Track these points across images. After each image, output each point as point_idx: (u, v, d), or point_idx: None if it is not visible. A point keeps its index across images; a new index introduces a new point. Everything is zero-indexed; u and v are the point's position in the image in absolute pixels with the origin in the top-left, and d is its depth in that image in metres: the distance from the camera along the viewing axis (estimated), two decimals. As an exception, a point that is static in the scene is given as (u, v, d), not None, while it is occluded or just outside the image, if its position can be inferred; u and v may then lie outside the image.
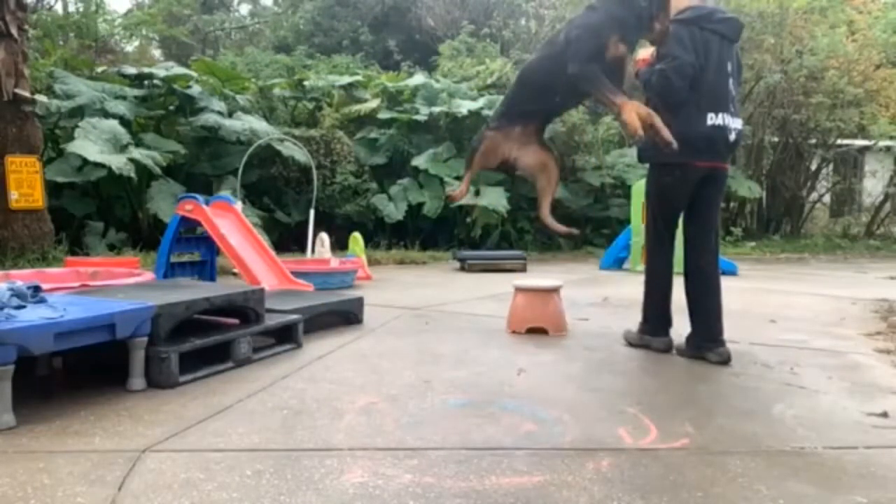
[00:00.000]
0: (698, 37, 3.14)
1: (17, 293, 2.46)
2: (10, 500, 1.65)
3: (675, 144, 3.00)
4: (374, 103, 10.90)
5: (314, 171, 8.31)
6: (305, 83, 11.39)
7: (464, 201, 9.57)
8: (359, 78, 11.79)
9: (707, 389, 2.80)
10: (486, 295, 5.42)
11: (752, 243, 11.45)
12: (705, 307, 3.31)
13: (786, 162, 13.24)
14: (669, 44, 3.12)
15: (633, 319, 4.07)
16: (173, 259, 5.39)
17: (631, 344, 3.60)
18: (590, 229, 11.02)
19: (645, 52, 3.45)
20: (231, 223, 5.40)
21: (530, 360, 3.21)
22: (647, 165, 3.55)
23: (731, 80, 3.22)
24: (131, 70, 9.73)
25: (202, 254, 5.65)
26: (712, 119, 3.15)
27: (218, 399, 2.50)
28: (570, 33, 3.25)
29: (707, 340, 3.28)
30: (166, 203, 7.74)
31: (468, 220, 9.76)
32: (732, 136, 3.22)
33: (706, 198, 3.32)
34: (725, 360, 3.20)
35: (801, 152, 13.34)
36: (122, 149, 7.75)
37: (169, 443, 2.05)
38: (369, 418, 2.31)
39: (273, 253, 5.56)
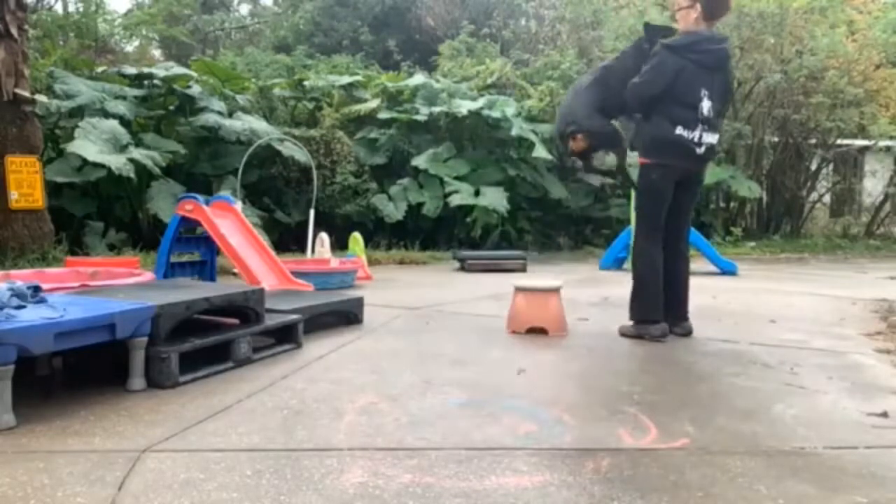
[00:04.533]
0: (672, 62, 3.52)
1: (17, 293, 2.46)
2: (10, 500, 1.65)
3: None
4: (374, 103, 10.90)
5: (314, 171, 8.31)
6: (305, 83, 11.38)
7: (464, 201, 9.59)
8: (359, 78, 11.79)
9: (707, 389, 2.80)
10: (486, 295, 5.42)
11: (752, 243, 11.44)
12: (679, 287, 3.76)
13: (786, 162, 13.24)
14: (650, 63, 3.57)
15: (633, 319, 4.08)
16: (173, 259, 5.39)
17: (626, 335, 3.71)
18: (590, 229, 11.03)
19: None
20: (231, 223, 5.40)
21: (530, 360, 3.21)
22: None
23: (705, 103, 3.56)
24: (131, 70, 9.72)
25: (202, 254, 5.65)
26: (680, 130, 3.54)
27: (218, 399, 2.50)
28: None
29: (679, 318, 3.76)
30: (166, 203, 7.73)
31: (468, 220, 9.76)
32: (702, 150, 3.61)
33: (689, 194, 3.79)
34: (689, 332, 3.76)
35: (801, 152, 13.34)
36: (122, 149, 7.75)
37: (169, 443, 2.05)
38: (369, 418, 2.31)
39: (273, 253, 5.56)
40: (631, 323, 3.75)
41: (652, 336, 3.62)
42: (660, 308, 3.67)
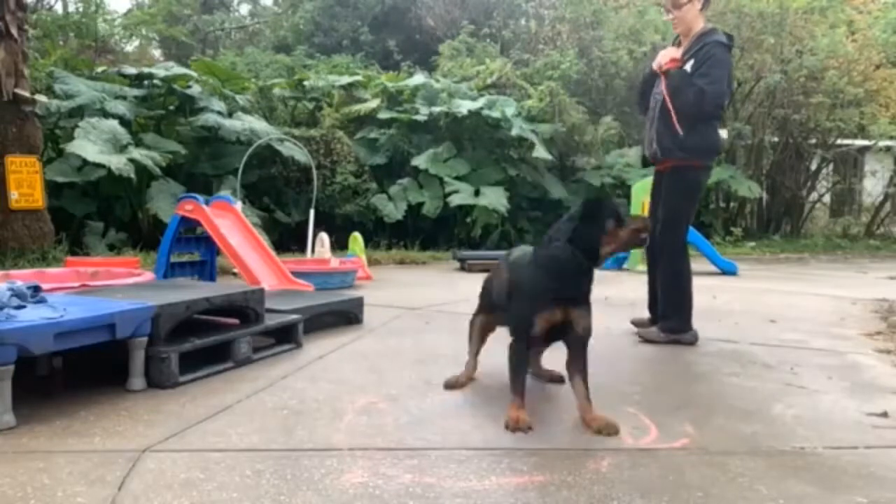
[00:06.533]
0: (731, 61, 3.48)
1: (17, 293, 2.46)
2: (10, 500, 1.65)
3: None
4: (374, 103, 10.90)
5: (314, 171, 8.31)
6: (305, 83, 11.39)
7: (464, 201, 9.59)
8: (359, 78, 11.78)
9: (707, 389, 2.80)
10: (486, 295, 5.41)
11: (752, 243, 11.45)
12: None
13: (786, 162, 13.24)
14: (715, 65, 3.34)
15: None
16: (173, 259, 5.39)
17: (656, 342, 3.62)
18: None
19: (675, 51, 3.54)
20: (231, 223, 5.40)
21: (530, 360, 3.20)
22: (649, 167, 3.66)
23: None
24: (131, 70, 9.72)
25: (202, 254, 5.64)
26: (721, 131, 3.66)
27: (218, 399, 2.50)
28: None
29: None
30: (166, 203, 7.73)
31: (468, 220, 9.76)
32: None
33: None
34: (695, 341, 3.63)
35: (801, 152, 13.34)
36: (122, 149, 7.75)
37: (169, 443, 2.05)
38: (369, 418, 2.31)
39: (273, 253, 5.56)
40: (656, 328, 3.69)
41: (688, 343, 3.58)
42: (690, 318, 3.65)
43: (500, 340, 3.68)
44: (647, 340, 3.65)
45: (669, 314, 3.62)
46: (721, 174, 11.26)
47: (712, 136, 3.50)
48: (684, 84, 3.40)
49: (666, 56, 3.53)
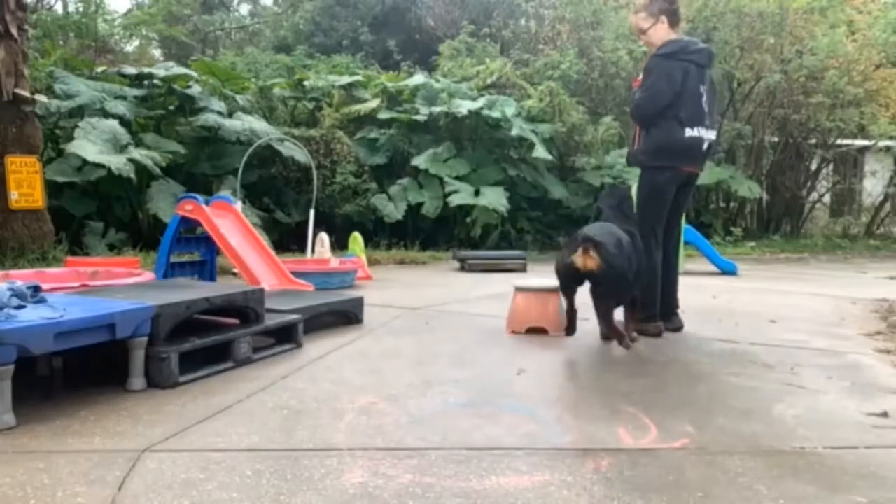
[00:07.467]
0: (677, 67, 3.65)
1: (17, 293, 2.46)
2: (10, 500, 1.65)
3: None
4: (374, 103, 10.89)
5: (314, 171, 8.31)
6: (305, 83, 11.38)
7: (464, 201, 9.59)
8: (359, 78, 11.78)
9: (707, 389, 2.80)
10: (486, 295, 5.42)
11: (752, 243, 11.45)
12: (669, 283, 3.89)
13: (786, 162, 13.24)
14: (652, 75, 3.69)
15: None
16: (173, 259, 5.38)
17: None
18: (590, 229, 11.02)
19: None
20: (231, 223, 5.40)
21: (530, 360, 3.21)
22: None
23: (703, 99, 3.72)
24: (131, 70, 9.72)
25: (202, 254, 5.64)
26: (689, 132, 3.66)
27: (218, 399, 2.50)
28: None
29: (670, 312, 3.89)
30: (166, 203, 7.73)
31: (468, 220, 9.76)
32: (705, 146, 3.74)
33: (682, 197, 3.90)
34: (680, 328, 3.87)
35: (801, 152, 13.34)
36: (122, 149, 7.75)
37: (169, 443, 2.05)
38: (369, 418, 2.31)
39: (273, 253, 5.56)
40: (622, 321, 3.76)
41: (650, 334, 3.71)
42: (657, 307, 3.79)
43: (499, 341, 3.69)
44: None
45: (639, 306, 3.82)
46: (721, 174, 11.25)
47: (664, 137, 3.67)
48: (633, 97, 3.87)
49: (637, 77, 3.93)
